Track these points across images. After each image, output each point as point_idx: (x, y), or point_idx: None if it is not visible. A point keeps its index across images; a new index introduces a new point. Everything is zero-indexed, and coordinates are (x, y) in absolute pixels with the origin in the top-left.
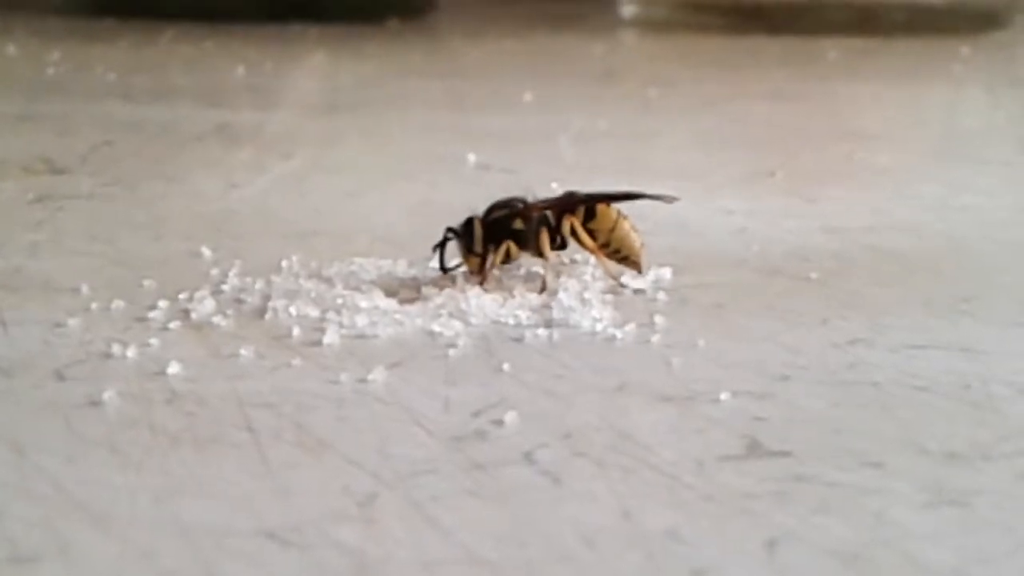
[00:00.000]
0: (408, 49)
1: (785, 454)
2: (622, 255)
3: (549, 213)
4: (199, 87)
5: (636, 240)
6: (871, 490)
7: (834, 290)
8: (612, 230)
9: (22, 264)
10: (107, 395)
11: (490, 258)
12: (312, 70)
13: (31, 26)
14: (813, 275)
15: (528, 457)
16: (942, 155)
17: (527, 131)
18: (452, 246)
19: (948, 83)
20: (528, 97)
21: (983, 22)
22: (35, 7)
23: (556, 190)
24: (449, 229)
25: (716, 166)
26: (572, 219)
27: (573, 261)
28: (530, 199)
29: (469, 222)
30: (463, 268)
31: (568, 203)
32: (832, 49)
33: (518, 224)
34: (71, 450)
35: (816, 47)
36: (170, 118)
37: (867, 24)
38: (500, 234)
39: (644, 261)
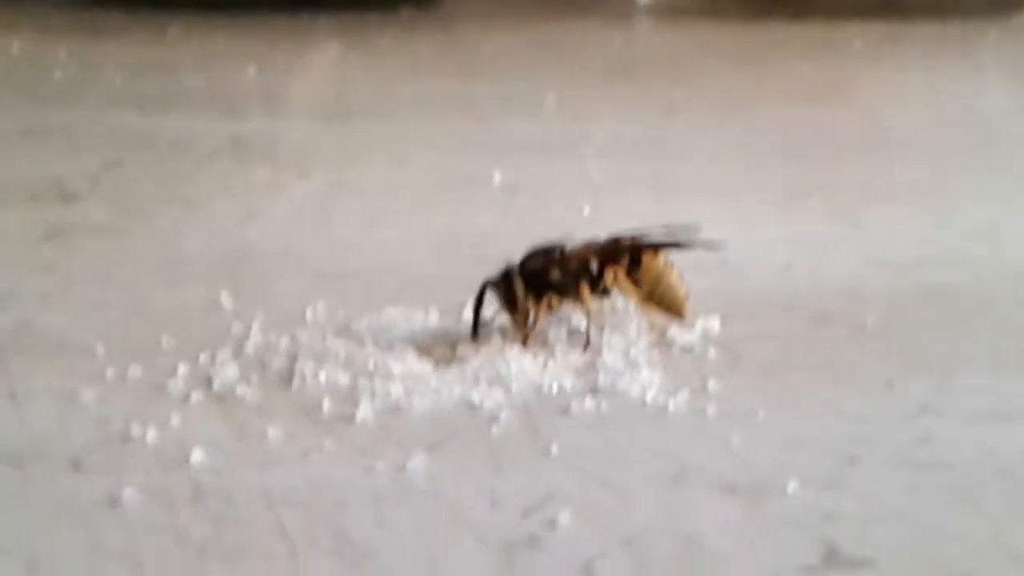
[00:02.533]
0: (421, 41)
1: (867, 563)
2: (666, 304)
3: (592, 261)
4: (210, 91)
5: (682, 290)
6: None
7: (892, 342)
8: (657, 280)
9: (32, 318)
10: (127, 492)
11: (531, 317)
12: (324, 68)
13: (37, 20)
14: (869, 322)
15: (587, 571)
16: (983, 166)
17: (551, 143)
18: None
19: (976, 73)
20: (550, 100)
21: (1008, 3)
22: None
23: (587, 215)
24: (486, 283)
25: (751, 184)
26: (616, 269)
27: (615, 308)
28: (568, 245)
29: (508, 277)
30: (499, 321)
31: (612, 252)
32: (856, 37)
33: (556, 275)
34: (89, 565)
35: (839, 34)
36: (182, 129)
37: (889, 7)
38: (539, 285)
39: (689, 312)
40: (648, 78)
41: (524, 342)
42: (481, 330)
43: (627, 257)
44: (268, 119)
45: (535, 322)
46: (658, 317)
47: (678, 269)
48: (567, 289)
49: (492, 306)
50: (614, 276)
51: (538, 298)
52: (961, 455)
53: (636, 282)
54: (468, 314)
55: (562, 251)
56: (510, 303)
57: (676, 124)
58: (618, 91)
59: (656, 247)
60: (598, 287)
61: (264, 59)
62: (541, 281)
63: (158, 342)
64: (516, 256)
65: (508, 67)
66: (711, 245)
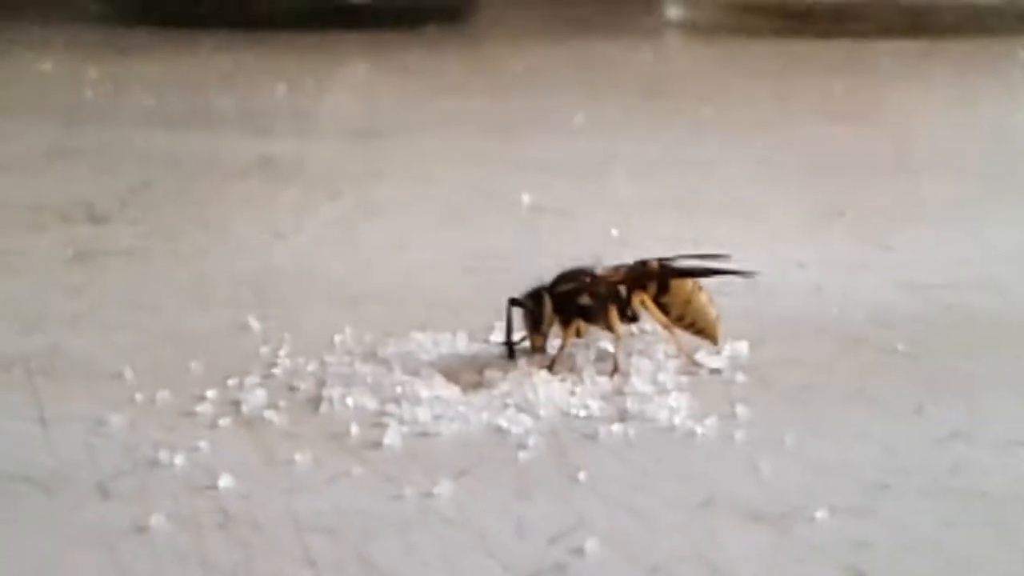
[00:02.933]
0: (449, 60)
1: None
2: (697, 328)
3: (620, 286)
4: (239, 111)
5: (712, 313)
6: None
7: (924, 367)
8: (687, 303)
9: (61, 341)
10: (154, 520)
11: (557, 340)
12: (353, 87)
13: (67, 39)
14: (900, 346)
15: None
16: (1015, 187)
17: (580, 162)
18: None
19: (1008, 92)
20: (579, 119)
21: None
22: (72, 17)
23: (616, 236)
24: (512, 301)
25: (780, 203)
26: (644, 295)
27: (643, 331)
28: (598, 270)
29: (537, 297)
30: (526, 344)
31: (640, 277)
32: (885, 55)
33: (585, 300)
34: None
35: (868, 52)
36: (210, 149)
37: (919, 25)
38: (567, 309)
39: (720, 334)
40: (677, 96)
41: (551, 367)
42: (516, 350)
43: (655, 282)
44: (297, 139)
45: (563, 347)
46: (687, 342)
47: (707, 291)
48: (595, 314)
49: (520, 329)
50: (642, 301)
51: (565, 323)
52: (994, 483)
53: (665, 307)
54: (496, 338)
55: (592, 275)
56: (535, 324)
57: (705, 142)
58: (647, 109)
59: (684, 273)
60: (626, 312)
61: (293, 78)
62: (570, 305)
63: (187, 366)
64: (546, 278)
65: (537, 85)
66: (743, 274)
